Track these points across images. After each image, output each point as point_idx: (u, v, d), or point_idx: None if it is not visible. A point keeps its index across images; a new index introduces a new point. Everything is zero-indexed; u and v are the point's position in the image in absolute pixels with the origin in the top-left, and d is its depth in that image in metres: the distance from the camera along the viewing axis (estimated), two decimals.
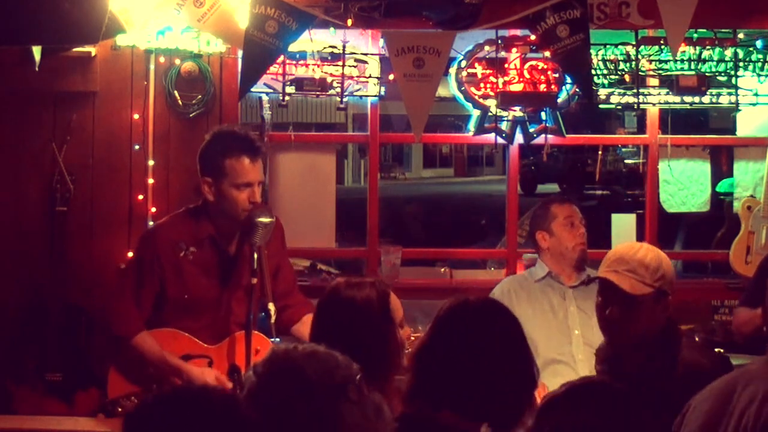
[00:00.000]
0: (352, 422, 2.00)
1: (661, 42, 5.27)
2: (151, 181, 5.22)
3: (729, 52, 5.32)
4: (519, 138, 5.40)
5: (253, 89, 4.96)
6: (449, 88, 5.41)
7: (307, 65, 5.23)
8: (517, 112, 5.35)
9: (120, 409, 4.01)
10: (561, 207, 4.87)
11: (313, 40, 5.14)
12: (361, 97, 5.38)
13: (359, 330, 3.03)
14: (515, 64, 5.35)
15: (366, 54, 5.29)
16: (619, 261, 3.37)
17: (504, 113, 5.34)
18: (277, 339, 4.08)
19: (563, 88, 5.35)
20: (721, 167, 6.83)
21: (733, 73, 5.33)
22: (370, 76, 5.30)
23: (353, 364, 2.14)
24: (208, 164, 4.09)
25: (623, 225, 5.81)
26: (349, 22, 4.98)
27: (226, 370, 4.05)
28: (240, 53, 4.96)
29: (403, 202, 16.51)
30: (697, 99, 5.37)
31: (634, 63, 5.29)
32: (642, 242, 3.80)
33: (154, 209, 5.19)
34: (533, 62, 5.35)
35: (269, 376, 2.08)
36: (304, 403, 2.02)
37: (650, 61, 5.34)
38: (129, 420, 1.92)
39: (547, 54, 5.08)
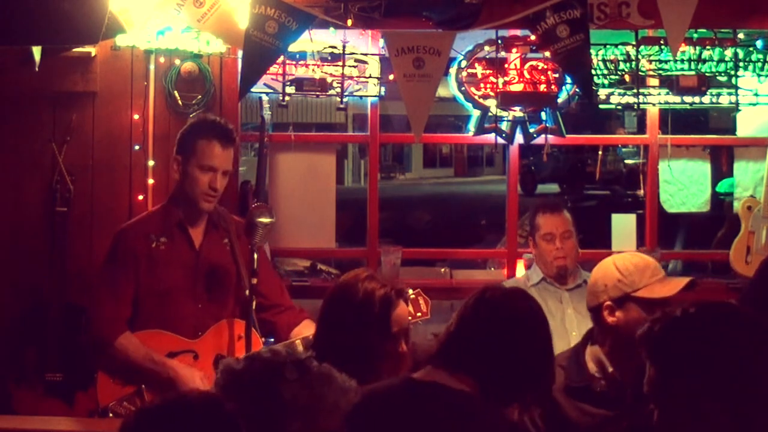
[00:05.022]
0: (291, 396, 2.18)
1: (661, 42, 5.27)
2: (151, 181, 5.22)
3: (729, 52, 5.32)
4: (519, 138, 5.40)
5: (253, 89, 4.95)
6: (449, 88, 5.41)
7: (307, 65, 5.23)
8: (517, 112, 5.35)
9: (111, 415, 3.99)
10: (544, 218, 4.90)
11: (313, 40, 5.14)
12: (361, 97, 5.39)
13: (349, 324, 3.10)
14: (515, 64, 5.35)
15: (366, 54, 5.29)
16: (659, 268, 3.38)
17: (504, 113, 5.34)
18: (271, 339, 4.08)
19: (563, 88, 5.35)
20: (721, 167, 6.83)
21: (733, 73, 5.33)
22: (370, 76, 5.30)
23: (295, 351, 2.37)
24: (182, 143, 4.19)
25: (623, 225, 5.82)
26: (349, 22, 4.99)
27: (212, 361, 4.05)
28: (240, 53, 4.96)
29: (404, 202, 16.53)
30: (697, 99, 5.37)
31: (634, 63, 5.29)
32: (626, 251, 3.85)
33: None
34: (533, 62, 5.35)
35: (222, 391, 2.27)
36: (242, 395, 2.20)
37: (650, 61, 5.34)
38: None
39: (547, 54, 5.08)
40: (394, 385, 2.69)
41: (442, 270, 6.18)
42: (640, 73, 5.31)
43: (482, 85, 5.35)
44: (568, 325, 4.74)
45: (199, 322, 4.11)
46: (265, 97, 5.26)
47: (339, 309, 3.17)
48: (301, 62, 5.23)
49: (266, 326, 4.19)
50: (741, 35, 5.34)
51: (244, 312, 4.02)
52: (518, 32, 5.33)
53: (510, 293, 2.85)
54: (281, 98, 5.19)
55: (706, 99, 5.38)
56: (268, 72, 4.95)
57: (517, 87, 5.34)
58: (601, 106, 5.52)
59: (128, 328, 4.06)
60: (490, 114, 5.33)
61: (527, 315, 2.77)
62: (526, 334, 2.74)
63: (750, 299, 4.42)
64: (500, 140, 5.37)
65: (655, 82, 5.38)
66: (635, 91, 5.33)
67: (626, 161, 20.37)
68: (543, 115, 5.37)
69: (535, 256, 4.98)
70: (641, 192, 5.87)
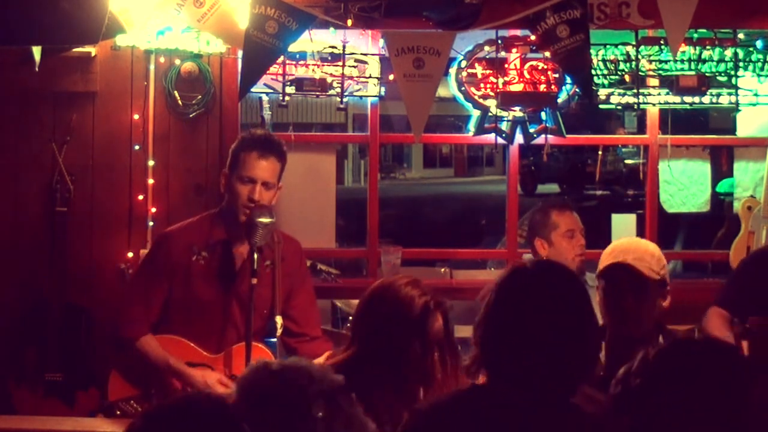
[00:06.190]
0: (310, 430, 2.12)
1: (661, 42, 5.27)
2: (151, 181, 5.22)
3: (729, 52, 5.32)
4: (519, 138, 5.40)
5: (253, 89, 4.96)
6: (449, 89, 5.41)
7: (307, 65, 5.23)
8: (517, 112, 5.35)
9: (118, 412, 4.00)
10: (562, 216, 4.77)
11: (313, 40, 5.14)
12: (361, 97, 5.39)
13: (388, 324, 3.09)
14: (515, 65, 5.35)
15: (366, 54, 5.29)
16: (625, 251, 3.39)
17: (504, 113, 5.34)
18: (273, 339, 4.07)
19: (563, 88, 5.35)
20: (721, 167, 6.83)
21: (733, 73, 5.33)
22: (370, 77, 5.30)
23: (330, 375, 2.22)
24: (230, 157, 4.14)
25: (623, 225, 5.82)
26: (349, 22, 4.98)
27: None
28: (240, 53, 4.96)
29: (404, 202, 16.53)
30: (697, 99, 5.37)
31: (634, 63, 5.29)
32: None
33: (154, 209, 5.20)
34: (533, 62, 5.35)
35: (245, 395, 2.19)
36: (263, 411, 2.13)
37: (650, 61, 5.34)
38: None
39: (547, 54, 5.08)
40: (461, 396, 2.39)
41: (442, 270, 6.18)
42: (640, 73, 5.30)
43: (482, 85, 5.35)
44: None
45: (223, 340, 4.09)
46: (265, 97, 5.27)
47: (378, 307, 3.15)
48: (301, 62, 5.23)
49: (287, 351, 4.13)
50: (741, 35, 5.34)
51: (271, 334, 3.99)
52: (518, 32, 5.33)
53: (542, 267, 2.52)
54: (281, 98, 5.19)
55: (706, 99, 5.38)
56: (268, 72, 4.95)
57: (517, 87, 5.34)
58: (601, 106, 5.52)
59: (151, 331, 4.06)
60: (490, 114, 5.33)
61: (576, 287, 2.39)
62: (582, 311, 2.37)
63: (729, 300, 4.33)
64: (500, 140, 5.37)
65: (655, 82, 5.38)
66: (635, 91, 5.33)
67: (626, 161, 20.36)
68: (543, 115, 5.37)
69: (545, 256, 4.72)
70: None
